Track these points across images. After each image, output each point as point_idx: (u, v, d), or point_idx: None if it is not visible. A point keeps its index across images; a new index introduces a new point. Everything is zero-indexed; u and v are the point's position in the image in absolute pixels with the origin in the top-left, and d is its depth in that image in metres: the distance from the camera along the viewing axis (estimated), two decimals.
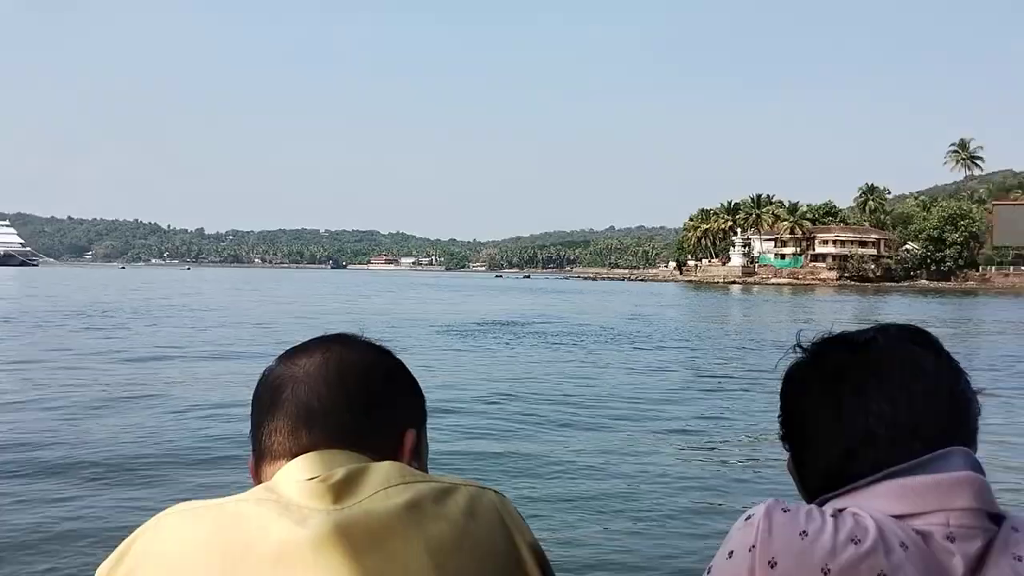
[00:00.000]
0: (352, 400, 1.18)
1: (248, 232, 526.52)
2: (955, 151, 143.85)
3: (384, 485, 1.06)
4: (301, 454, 1.12)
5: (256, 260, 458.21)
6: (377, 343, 1.29)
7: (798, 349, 1.30)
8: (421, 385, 1.33)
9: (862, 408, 1.17)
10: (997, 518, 1.09)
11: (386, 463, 1.11)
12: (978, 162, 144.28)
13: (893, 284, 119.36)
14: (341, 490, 1.05)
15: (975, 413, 1.20)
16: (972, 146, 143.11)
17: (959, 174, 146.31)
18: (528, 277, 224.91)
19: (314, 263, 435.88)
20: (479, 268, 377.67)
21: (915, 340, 1.23)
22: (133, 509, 8.58)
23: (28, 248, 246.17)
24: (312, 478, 1.06)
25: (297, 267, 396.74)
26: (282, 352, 1.24)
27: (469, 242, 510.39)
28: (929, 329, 1.28)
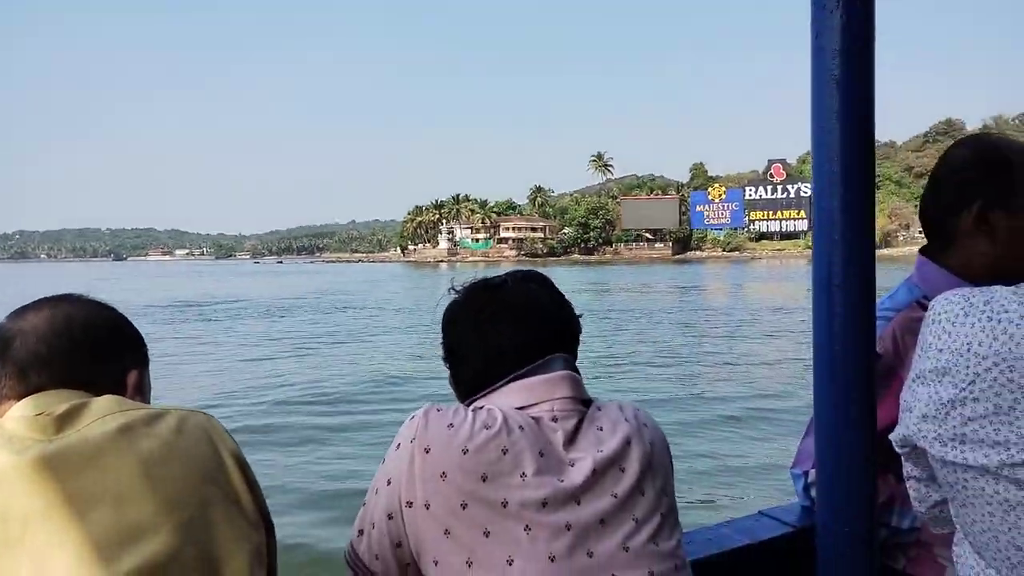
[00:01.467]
0: (78, 347, 1.09)
1: (34, 232, 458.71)
2: (594, 160, 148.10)
3: (101, 415, 0.99)
4: (29, 395, 1.03)
5: (42, 256, 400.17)
6: (101, 301, 1.18)
7: (452, 291, 1.32)
8: None
9: (496, 332, 1.21)
10: (588, 402, 1.21)
11: (105, 397, 1.03)
12: (610, 168, 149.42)
13: (555, 258, 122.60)
14: (62, 422, 0.98)
15: (577, 331, 1.29)
16: (606, 157, 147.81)
17: (601, 178, 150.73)
18: (281, 262, 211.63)
19: (97, 257, 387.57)
20: (244, 257, 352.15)
21: (534, 281, 1.28)
22: None
23: None
24: (38, 414, 0.99)
25: (81, 261, 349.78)
26: (10, 312, 1.12)
27: (235, 235, 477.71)
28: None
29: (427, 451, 1.08)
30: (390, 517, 1.10)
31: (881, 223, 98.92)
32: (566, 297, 1.30)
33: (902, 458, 1.09)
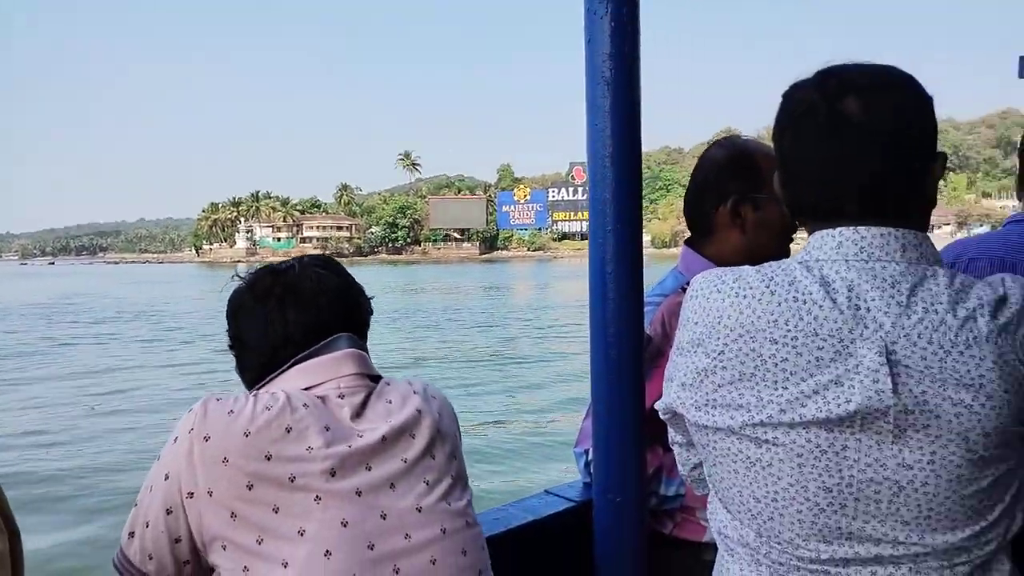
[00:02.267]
0: None
1: None
2: (402, 159, 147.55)
3: None
4: None
5: None
6: None
7: (237, 278, 1.32)
8: None
9: (282, 318, 1.22)
10: (377, 378, 1.25)
11: None
12: (418, 167, 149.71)
13: (362, 258, 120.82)
14: None
15: (367, 313, 1.31)
16: (414, 156, 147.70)
17: (411, 177, 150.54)
18: (53, 263, 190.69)
19: None
20: (12, 257, 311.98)
21: (323, 266, 1.29)
22: None
23: None
24: None
25: None
26: None
27: (2, 234, 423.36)
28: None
29: (207, 439, 1.08)
30: (168, 512, 1.09)
31: (671, 224, 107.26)
32: (355, 280, 1.31)
33: (668, 425, 1.18)
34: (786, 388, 0.93)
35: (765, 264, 1.01)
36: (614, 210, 1.48)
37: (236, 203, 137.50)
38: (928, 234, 0.99)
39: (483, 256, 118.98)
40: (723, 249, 1.69)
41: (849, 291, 0.93)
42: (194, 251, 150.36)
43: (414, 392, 1.24)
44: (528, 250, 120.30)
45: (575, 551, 1.61)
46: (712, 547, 1.61)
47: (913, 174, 0.98)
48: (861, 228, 0.96)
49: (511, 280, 55.22)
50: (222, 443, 1.07)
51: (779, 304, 0.94)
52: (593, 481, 1.57)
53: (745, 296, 0.97)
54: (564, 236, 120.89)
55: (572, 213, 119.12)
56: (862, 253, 0.95)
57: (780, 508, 0.97)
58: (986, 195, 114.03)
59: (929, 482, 0.92)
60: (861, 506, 0.94)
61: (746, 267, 1.01)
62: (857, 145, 0.96)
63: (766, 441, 0.95)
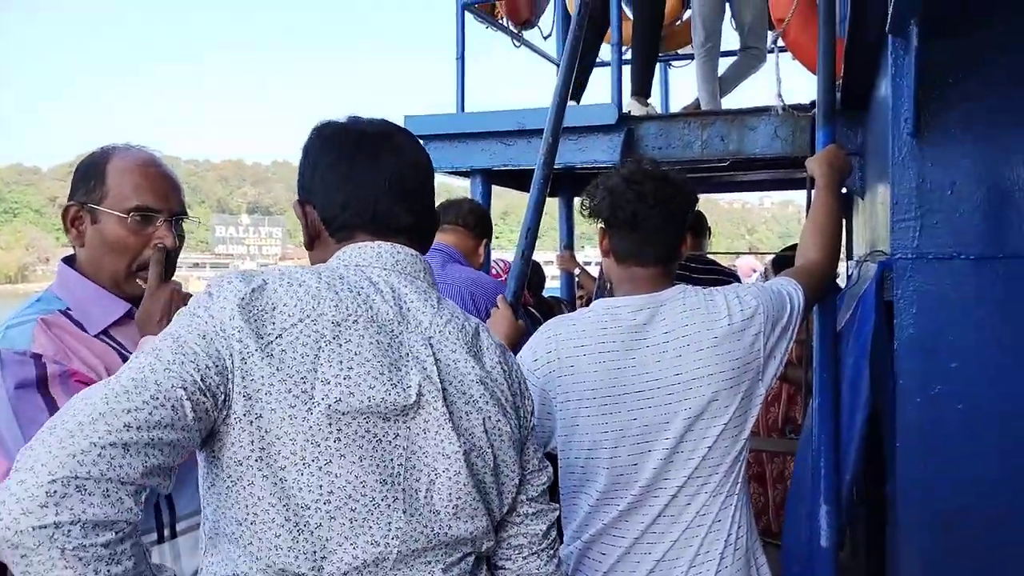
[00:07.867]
0: None
1: None
2: None
3: None
4: None
5: None
6: None
7: None
8: None
9: None
10: None
11: None
12: None
13: None
14: None
15: None
16: None
17: None
18: None
19: None
20: None
21: None
22: None
23: None
24: None
25: None
26: None
27: None
28: None
29: None
30: None
31: (18, 255, 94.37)
32: None
33: None
34: (351, 369, 0.96)
35: (294, 269, 1.05)
36: None
37: None
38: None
39: None
40: (82, 264, 1.51)
41: (393, 291, 1.06)
42: None
43: None
44: None
45: None
46: None
47: (429, 207, 1.20)
48: (397, 246, 1.12)
49: None
50: None
51: (337, 293, 1.00)
52: None
53: (300, 287, 0.99)
54: None
55: None
56: (397, 266, 1.10)
57: (332, 511, 0.95)
58: None
59: (461, 472, 1.03)
60: (409, 498, 1.00)
61: (272, 270, 1.03)
62: (392, 179, 1.13)
63: (328, 434, 0.94)
